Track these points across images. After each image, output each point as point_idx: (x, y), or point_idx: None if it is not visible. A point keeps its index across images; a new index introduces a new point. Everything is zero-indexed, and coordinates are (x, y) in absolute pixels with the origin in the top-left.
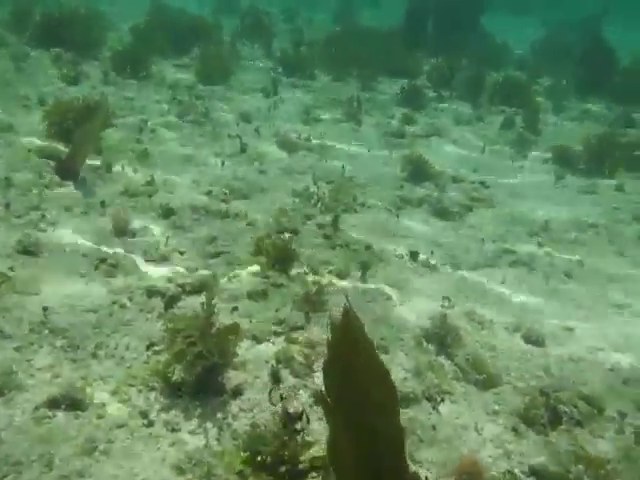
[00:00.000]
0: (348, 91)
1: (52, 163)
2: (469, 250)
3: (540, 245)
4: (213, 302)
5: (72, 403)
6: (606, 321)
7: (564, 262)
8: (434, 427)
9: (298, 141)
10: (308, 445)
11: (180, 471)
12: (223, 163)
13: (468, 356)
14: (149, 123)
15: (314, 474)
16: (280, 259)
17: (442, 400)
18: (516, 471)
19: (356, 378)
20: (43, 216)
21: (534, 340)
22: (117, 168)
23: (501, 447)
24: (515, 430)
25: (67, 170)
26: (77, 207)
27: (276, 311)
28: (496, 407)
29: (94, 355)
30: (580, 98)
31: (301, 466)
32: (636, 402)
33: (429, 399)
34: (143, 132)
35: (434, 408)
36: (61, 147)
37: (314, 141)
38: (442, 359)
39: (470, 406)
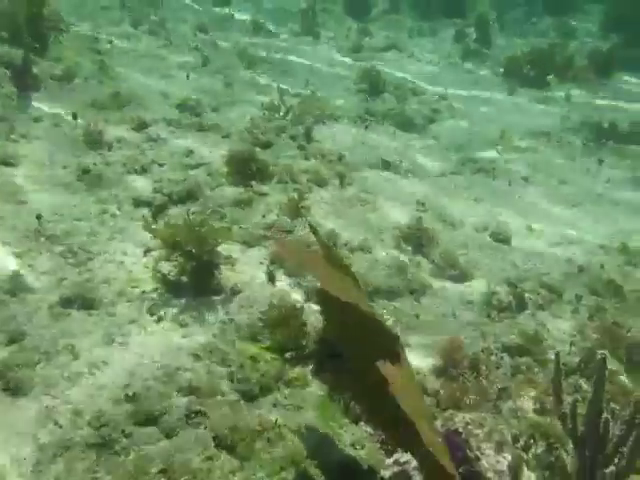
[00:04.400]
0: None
1: (9, 72)
2: (435, 159)
3: (499, 153)
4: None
5: (84, 303)
6: (561, 219)
7: (522, 167)
8: (417, 316)
9: (258, 53)
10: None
11: (197, 358)
12: (188, 76)
13: (442, 254)
14: (104, 33)
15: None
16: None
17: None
18: (492, 347)
19: None
20: (12, 127)
21: (501, 238)
22: (79, 79)
23: (477, 330)
24: (489, 316)
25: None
26: (46, 119)
27: (263, 217)
28: (470, 297)
29: (93, 260)
30: (527, 10)
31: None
32: (589, 287)
33: (411, 292)
34: (100, 42)
35: (416, 300)
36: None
37: (274, 54)
38: (419, 257)
39: (447, 297)
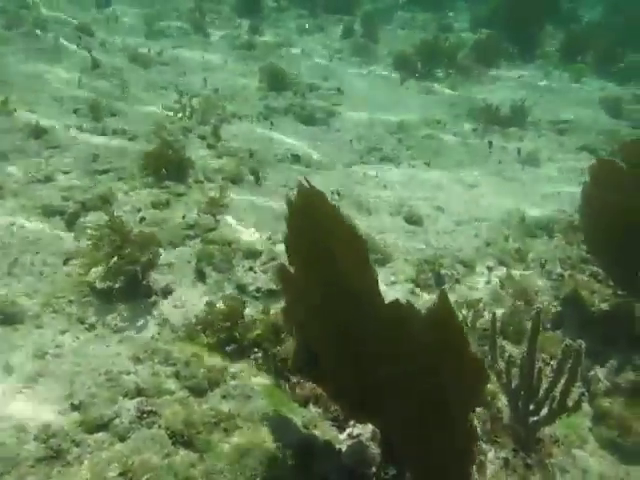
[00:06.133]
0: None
1: None
2: (342, 150)
3: (400, 141)
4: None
5: (6, 319)
6: (461, 198)
7: (422, 154)
8: None
9: (150, 55)
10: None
11: (138, 360)
12: (80, 80)
13: None
14: None
15: (256, 349)
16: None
17: None
18: None
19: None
20: None
21: (414, 220)
22: None
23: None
24: (412, 293)
25: None
26: None
27: (183, 217)
28: (393, 278)
29: (10, 273)
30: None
31: (245, 343)
32: (497, 258)
33: None
34: None
35: None
36: None
37: (166, 55)
38: None
39: None
